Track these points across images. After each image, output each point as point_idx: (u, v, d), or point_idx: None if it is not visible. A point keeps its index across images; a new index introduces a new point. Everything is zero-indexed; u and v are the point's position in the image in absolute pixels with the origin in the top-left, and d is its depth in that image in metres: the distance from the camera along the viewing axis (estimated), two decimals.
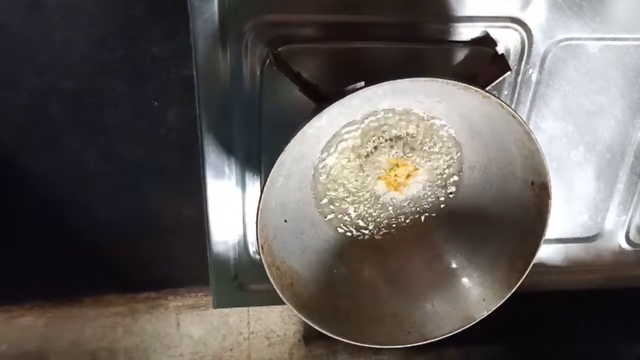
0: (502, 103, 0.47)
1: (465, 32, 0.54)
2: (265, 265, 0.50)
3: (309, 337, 0.78)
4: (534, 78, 0.57)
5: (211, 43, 0.52)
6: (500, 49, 0.55)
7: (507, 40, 0.55)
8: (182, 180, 0.73)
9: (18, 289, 0.79)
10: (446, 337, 0.56)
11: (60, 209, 0.74)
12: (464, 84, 0.46)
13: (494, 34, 0.55)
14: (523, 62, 0.56)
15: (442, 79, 0.45)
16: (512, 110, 0.47)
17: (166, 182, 0.74)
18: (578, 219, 0.67)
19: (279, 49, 0.52)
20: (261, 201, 0.48)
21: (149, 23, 0.64)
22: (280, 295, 0.51)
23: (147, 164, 0.72)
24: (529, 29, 0.55)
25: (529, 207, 0.53)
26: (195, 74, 0.53)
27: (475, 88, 0.46)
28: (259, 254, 0.50)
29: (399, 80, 0.45)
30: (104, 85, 0.67)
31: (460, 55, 0.55)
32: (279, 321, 0.79)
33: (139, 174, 0.73)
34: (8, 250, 0.75)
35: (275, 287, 0.51)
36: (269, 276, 0.50)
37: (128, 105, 0.68)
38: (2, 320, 0.79)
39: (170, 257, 0.78)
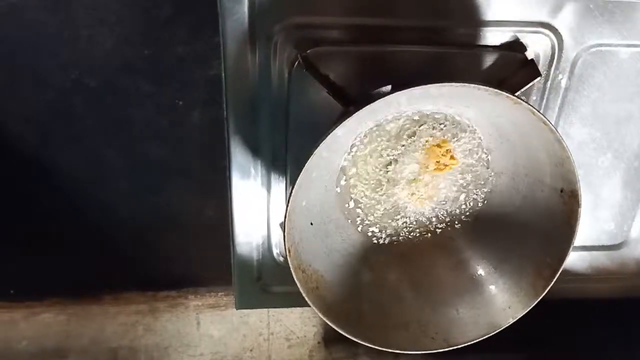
0: (533, 109, 0.46)
1: (495, 37, 0.54)
2: (291, 268, 0.50)
3: (329, 339, 0.78)
4: (563, 84, 0.57)
5: (240, 44, 0.52)
6: (529, 54, 0.54)
7: (537, 46, 0.55)
8: (204, 181, 0.73)
9: (39, 286, 0.79)
10: (469, 345, 0.56)
11: (82, 206, 0.75)
12: (494, 90, 0.45)
13: (524, 39, 0.54)
14: (553, 68, 0.56)
15: (472, 84, 0.45)
16: (543, 117, 0.47)
17: (189, 182, 0.74)
18: (604, 226, 0.66)
19: (308, 51, 0.52)
20: (289, 204, 0.48)
21: (175, 22, 0.64)
22: (306, 298, 0.51)
23: (170, 164, 0.72)
24: (560, 34, 0.54)
25: (557, 214, 0.53)
26: (223, 74, 0.53)
27: (507, 94, 0.45)
28: (285, 257, 0.50)
29: (429, 85, 0.45)
30: (128, 84, 0.67)
31: (489, 60, 0.54)
32: (299, 323, 0.79)
33: (161, 173, 0.73)
34: (29, 247, 0.76)
35: (301, 290, 0.51)
36: (295, 279, 0.50)
37: (152, 104, 0.69)
38: (22, 317, 0.80)
39: (191, 257, 0.79)
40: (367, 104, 0.45)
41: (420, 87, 0.45)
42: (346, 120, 0.46)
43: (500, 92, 0.45)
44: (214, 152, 0.70)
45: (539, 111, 0.47)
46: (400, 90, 0.45)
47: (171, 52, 0.66)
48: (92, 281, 0.79)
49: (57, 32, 0.64)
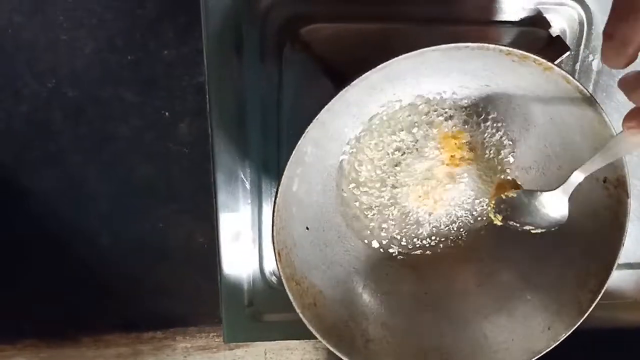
0: (568, 76, 0.39)
1: (514, 11, 0.47)
2: (283, 278, 0.42)
3: None
4: (594, 66, 0.50)
5: (225, 23, 0.46)
6: (554, 31, 0.48)
7: (562, 21, 0.48)
8: (193, 202, 0.66)
9: (10, 327, 0.71)
10: None
11: (57, 235, 0.68)
12: (520, 52, 0.38)
13: (547, 13, 0.47)
14: (582, 47, 0.49)
15: (492, 45, 0.38)
16: (579, 85, 0.39)
17: (176, 204, 0.67)
18: None
19: (301, 30, 0.45)
20: (278, 196, 0.40)
21: (160, 24, 0.59)
22: (301, 315, 0.42)
23: (155, 183, 0.66)
24: (588, 7, 0.47)
25: (600, 211, 0.44)
26: (205, 58, 0.46)
27: (535, 57, 0.38)
28: (279, 277, 0.42)
29: (441, 46, 0.38)
30: (110, 94, 0.62)
31: (508, 37, 0.48)
32: None
33: (146, 195, 0.66)
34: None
35: (294, 304, 0.42)
36: (288, 291, 0.42)
37: (136, 116, 0.63)
38: None
39: (179, 291, 0.71)
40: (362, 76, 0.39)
41: (426, 49, 0.38)
42: (337, 96, 0.39)
43: (528, 54, 0.38)
44: (202, 169, 0.63)
45: (574, 78, 0.39)
46: (402, 56, 0.38)
47: (157, 57, 0.61)
48: (69, 321, 0.71)
49: (33, 36, 0.59)
